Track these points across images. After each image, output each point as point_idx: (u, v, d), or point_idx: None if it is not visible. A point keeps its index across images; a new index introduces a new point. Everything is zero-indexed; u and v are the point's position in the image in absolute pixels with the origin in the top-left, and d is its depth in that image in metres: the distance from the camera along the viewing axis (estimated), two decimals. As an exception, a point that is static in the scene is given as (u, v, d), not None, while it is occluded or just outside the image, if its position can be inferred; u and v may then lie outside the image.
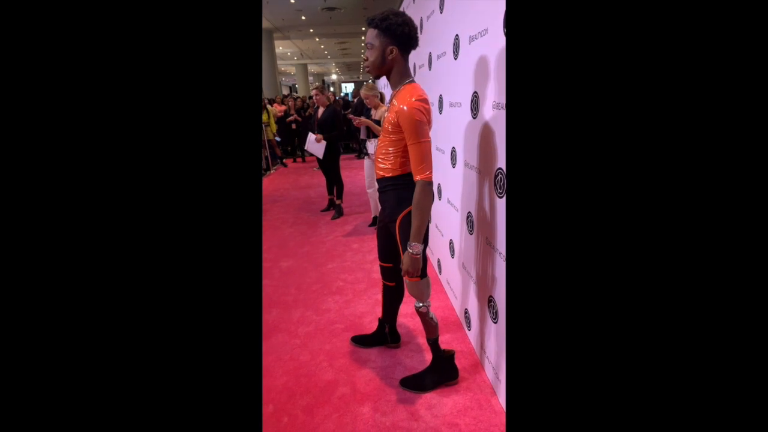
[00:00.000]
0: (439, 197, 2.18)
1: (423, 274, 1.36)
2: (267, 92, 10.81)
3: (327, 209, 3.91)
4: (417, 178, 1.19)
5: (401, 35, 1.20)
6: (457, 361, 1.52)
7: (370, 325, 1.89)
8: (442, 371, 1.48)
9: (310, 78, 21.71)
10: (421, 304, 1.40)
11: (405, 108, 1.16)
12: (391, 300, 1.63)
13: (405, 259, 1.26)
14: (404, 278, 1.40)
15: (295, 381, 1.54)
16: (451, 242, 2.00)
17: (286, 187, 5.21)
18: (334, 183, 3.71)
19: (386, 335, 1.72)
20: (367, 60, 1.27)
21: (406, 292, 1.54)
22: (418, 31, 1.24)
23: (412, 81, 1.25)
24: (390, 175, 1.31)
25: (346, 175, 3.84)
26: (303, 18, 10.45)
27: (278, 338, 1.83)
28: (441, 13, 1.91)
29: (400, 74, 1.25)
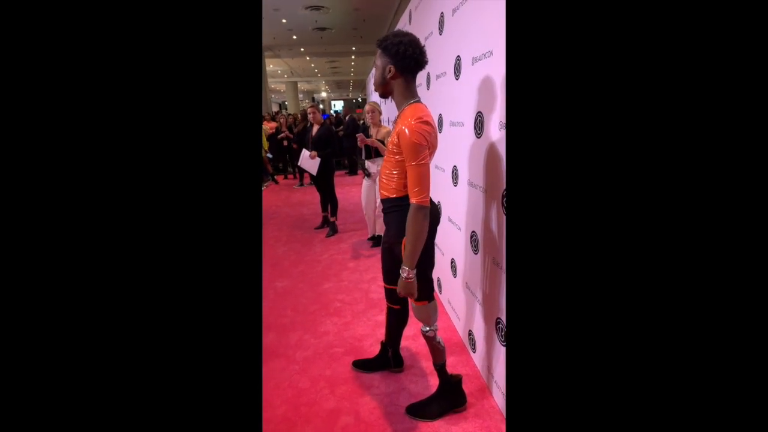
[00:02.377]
0: (459, 228, 2.17)
1: (430, 297, 1.32)
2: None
3: (321, 227, 3.86)
4: (412, 200, 1.17)
5: (397, 54, 1.19)
6: (464, 386, 1.47)
7: (371, 349, 1.82)
8: (450, 397, 1.43)
9: (300, 95, 21.90)
10: (428, 329, 1.35)
11: (405, 129, 1.15)
12: (396, 323, 1.57)
13: (399, 282, 1.23)
14: (410, 302, 1.36)
15: (294, 411, 1.46)
16: (452, 261, 1.97)
17: (279, 204, 5.14)
18: (329, 200, 3.67)
19: (389, 359, 1.66)
20: (374, 78, 1.28)
21: (411, 316, 1.49)
22: (424, 54, 1.23)
23: (417, 101, 1.24)
24: (394, 195, 1.28)
25: (339, 192, 3.81)
26: (294, 37, 10.60)
27: (276, 364, 1.74)
28: (440, 34, 1.94)
29: (402, 94, 1.24)
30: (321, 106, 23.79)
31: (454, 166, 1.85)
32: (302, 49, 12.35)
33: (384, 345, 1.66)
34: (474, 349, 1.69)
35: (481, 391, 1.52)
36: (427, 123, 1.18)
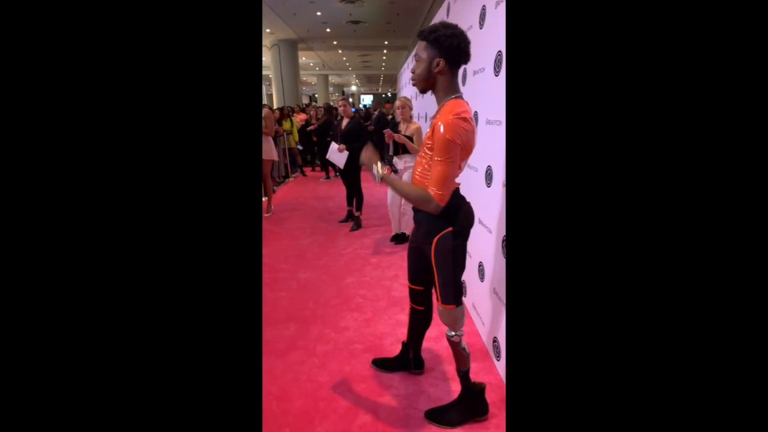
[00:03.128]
0: (489, 231, 2.09)
1: (458, 301, 1.27)
2: (289, 102, 10.97)
3: (345, 220, 3.86)
4: (431, 190, 1.14)
5: (449, 47, 1.14)
6: (485, 394, 1.41)
7: (391, 348, 1.80)
8: (471, 405, 1.38)
9: (330, 88, 22.07)
10: (453, 333, 1.31)
11: (441, 125, 1.11)
12: (419, 325, 1.54)
13: (365, 157, 1.28)
14: (436, 304, 1.32)
15: (313, 405, 1.45)
16: (480, 264, 1.90)
17: (306, 196, 5.19)
18: (354, 194, 3.66)
19: (410, 360, 1.62)
20: (414, 72, 1.22)
21: (435, 317, 1.45)
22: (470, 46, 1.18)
23: (459, 97, 1.19)
24: None
25: (365, 186, 3.78)
26: (328, 30, 10.64)
27: (296, 356, 1.75)
28: (481, 28, 1.86)
29: (446, 89, 1.19)
30: (350, 100, 23.86)
31: (488, 166, 1.77)
32: (335, 42, 12.39)
33: (405, 345, 1.63)
34: (498, 357, 1.62)
35: (503, 401, 1.46)
36: (466, 120, 1.12)
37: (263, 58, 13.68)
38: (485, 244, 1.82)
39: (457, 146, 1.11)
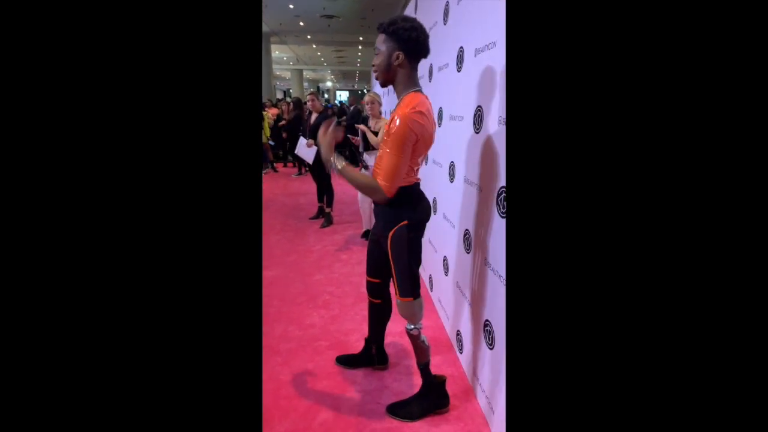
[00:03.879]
0: (435, 211, 2.12)
1: (416, 294, 1.28)
2: (263, 96, 10.70)
3: (316, 217, 3.81)
4: (378, 179, 1.15)
5: (408, 40, 1.14)
6: (447, 387, 1.43)
7: (357, 344, 1.79)
8: (432, 398, 1.39)
9: (305, 84, 21.70)
10: (412, 327, 1.32)
11: (397, 118, 1.11)
12: (378, 318, 1.54)
13: (323, 145, 1.24)
14: (394, 298, 1.32)
15: (274, 403, 1.42)
16: (445, 259, 1.92)
17: (276, 192, 5.08)
18: (324, 191, 3.62)
19: (373, 356, 1.62)
20: (374, 65, 1.21)
21: (395, 311, 1.45)
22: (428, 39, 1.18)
23: (418, 90, 1.19)
24: None
25: (337, 183, 3.75)
26: (301, 24, 10.44)
27: (258, 355, 1.71)
28: (445, 24, 1.87)
29: (405, 83, 1.19)
30: (326, 96, 23.56)
31: (452, 161, 1.79)
32: (309, 37, 12.18)
33: (367, 341, 1.63)
34: (461, 349, 1.65)
35: (465, 393, 1.48)
36: (422, 114, 1.12)
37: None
38: (449, 239, 1.84)
39: (410, 140, 1.11)
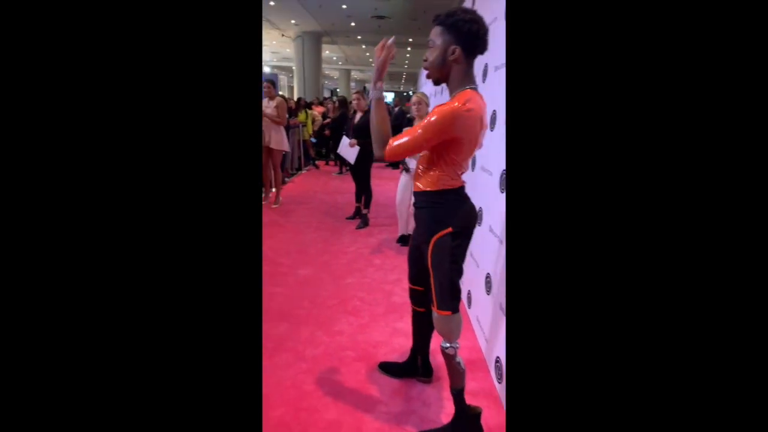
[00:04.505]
0: (480, 222, 1.95)
1: (455, 308, 1.15)
2: (309, 94, 10.94)
3: (353, 217, 3.75)
4: (392, 142, 1.09)
5: (467, 33, 1.03)
6: (483, 420, 1.28)
7: (385, 359, 1.67)
8: (464, 432, 1.25)
9: (352, 84, 22.02)
10: (448, 345, 1.19)
11: (440, 108, 1.01)
12: (422, 328, 1.44)
13: (376, 83, 1.15)
14: (433, 311, 1.20)
15: (293, 415, 1.35)
16: (488, 276, 1.76)
17: (315, 190, 5.11)
18: (363, 191, 3.55)
19: (418, 367, 1.52)
20: (426, 60, 1.11)
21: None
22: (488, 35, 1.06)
23: (473, 88, 1.07)
24: (428, 189, 1.14)
25: (376, 184, 3.67)
26: (352, 24, 10.54)
27: (283, 358, 1.65)
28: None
29: (460, 80, 1.08)
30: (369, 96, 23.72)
31: (503, 171, 1.63)
32: (359, 37, 12.30)
33: (413, 351, 1.53)
34: (500, 378, 1.48)
35: (500, 429, 1.32)
36: (471, 111, 1.01)
37: (287, 50, 13.72)
38: (493, 255, 1.68)
39: (442, 132, 1.02)
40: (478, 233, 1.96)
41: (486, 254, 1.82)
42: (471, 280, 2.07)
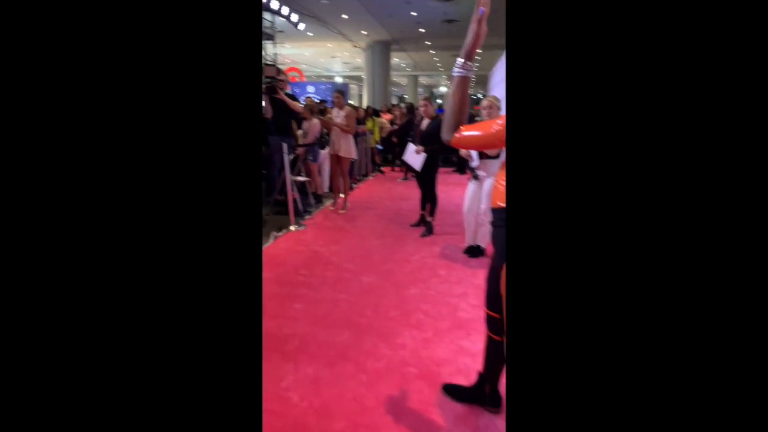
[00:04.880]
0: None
1: None
2: (378, 102, 11.18)
3: (417, 224, 3.69)
4: (461, 129, 0.99)
5: None
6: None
7: (449, 379, 1.57)
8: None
9: (419, 89, 22.06)
10: None
11: None
12: (497, 357, 1.33)
13: (464, 57, 1.00)
14: (504, 341, 1.08)
15: (353, 430, 1.32)
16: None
17: (381, 196, 5.16)
18: (428, 198, 3.47)
19: (485, 395, 1.41)
20: None
21: None
22: None
23: None
24: (503, 205, 1.03)
25: (442, 190, 3.56)
26: (421, 30, 10.55)
27: (345, 368, 1.64)
28: None
29: None
30: (439, 101, 23.56)
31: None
32: (427, 43, 12.26)
33: (481, 377, 1.42)
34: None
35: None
36: None
37: (357, 60, 14.22)
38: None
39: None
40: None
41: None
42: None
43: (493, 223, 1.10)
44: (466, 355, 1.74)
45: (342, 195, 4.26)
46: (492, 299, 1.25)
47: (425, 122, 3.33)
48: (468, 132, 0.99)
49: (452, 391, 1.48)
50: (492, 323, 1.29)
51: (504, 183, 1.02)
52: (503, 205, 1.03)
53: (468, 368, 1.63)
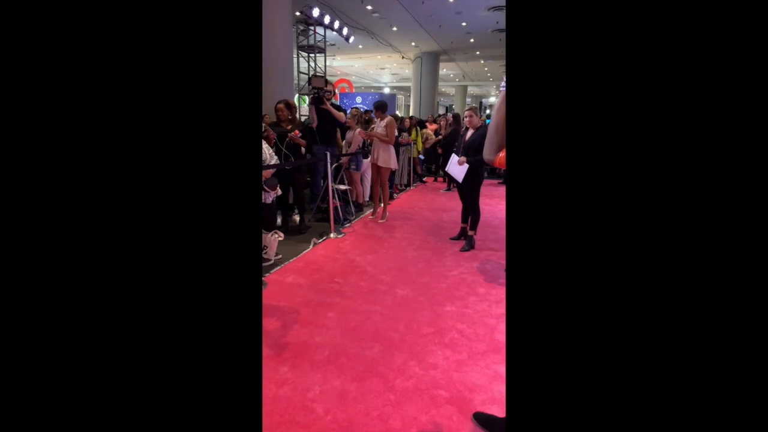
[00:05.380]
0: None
1: None
2: (424, 112, 11.17)
3: (457, 238, 3.57)
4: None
5: None
6: None
7: (482, 408, 1.47)
8: None
9: (468, 99, 21.74)
10: None
11: None
12: None
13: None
14: None
15: (376, 452, 1.26)
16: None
17: (421, 206, 5.09)
18: (470, 211, 3.34)
19: None
20: None
21: None
22: None
23: None
24: None
25: (485, 203, 3.43)
26: (472, 41, 10.42)
27: (373, 383, 1.59)
28: None
29: None
30: (488, 111, 23.05)
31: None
32: (477, 53, 12.08)
33: None
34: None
35: None
36: None
37: (406, 71, 14.36)
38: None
39: None
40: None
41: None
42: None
43: None
44: (501, 383, 1.61)
45: (381, 204, 4.26)
46: None
47: (469, 133, 3.24)
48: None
49: (484, 421, 1.38)
50: None
51: None
52: None
53: (503, 397, 1.51)
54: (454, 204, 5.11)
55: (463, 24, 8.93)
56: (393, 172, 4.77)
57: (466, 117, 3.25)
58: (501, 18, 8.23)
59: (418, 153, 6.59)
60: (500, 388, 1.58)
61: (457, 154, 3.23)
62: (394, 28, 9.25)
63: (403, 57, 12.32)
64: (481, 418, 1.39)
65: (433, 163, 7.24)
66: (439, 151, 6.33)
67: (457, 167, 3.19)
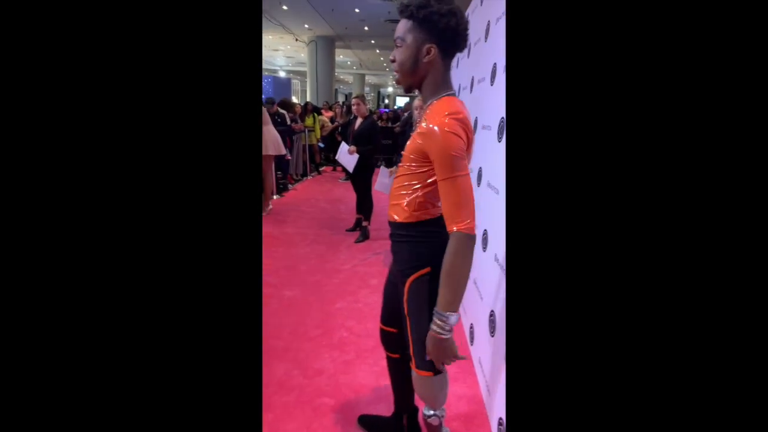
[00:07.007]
0: (485, 248, 1.68)
1: (437, 368, 0.91)
2: (322, 99, 10.85)
3: (353, 229, 3.52)
4: (452, 228, 0.79)
5: (445, 29, 0.81)
6: None
7: (367, 408, 1.42)
8: None
9: (367, 89, 21.97)
10: (431, 413, 0.96)
11: (436, 128, 0.79)
12: (400, 377, 1.20)
13: (428, 340, 0.84)
14: (411, 369, 0.95)
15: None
16: (491, 314, 1.49)
17: (318, 198, 4.91)
18: (363, 201, 3.32)
19: (404, 428, 1.27)
20: (394, 61, 0.89)
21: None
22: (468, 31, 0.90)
23: (452, 94, 0.87)
24: (403, 220, 0.92)
25: (377, 193, 3.42)
26: (366, 28, 10.41)
27: (247, 406, 1.41)
28: (485, 41, 1.54)
29: (437, 84, 0.87)
30: (386, 101, 23.69)
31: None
32: (373, 41, 12.17)
33: (396, 408, 1.29)
34: (503, 447, 1.21)
35: None
36: (463, 122, 0.81)
37: (302, 55, 13.71)
38: (496, 288, 1.41)
39: (462, 152, 0.81)
40: (482, 260, 1.69)
41: (489, 286, 1.55)
42: (475, 313, 1.79)
43: (391, 237, 1.00)
44: (387, 378, 1.60)
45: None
46: (387, 313, 1.15)
47: (358, 122, 3.17)
48: (458, 212, 0.79)
49: (369, 423, 1.33)
50: (387, 339, 1.18)
51: (395, 195, 0.94)
52: (399, 219, 0.94)
53: (390, 393, 1.49)
54: (352, 194, 5.06)
55: (357, 10, 8.83)
56: (288, 162, 4.47)
57: (354, 105, 3.17)
58: (392, 8, 8.36)
59: (317, 140, 6.35)
60: (388, 384, 1.56)
61: (347, 143, 3.15)
62: (284, 7, 8.67)
63: (297, 39, 11.70)
64: (365, 421, 1.34)
65: (331, 152, 7.07)
66: (338, 138, 6.19)
67: (347, 156, 3.11)
